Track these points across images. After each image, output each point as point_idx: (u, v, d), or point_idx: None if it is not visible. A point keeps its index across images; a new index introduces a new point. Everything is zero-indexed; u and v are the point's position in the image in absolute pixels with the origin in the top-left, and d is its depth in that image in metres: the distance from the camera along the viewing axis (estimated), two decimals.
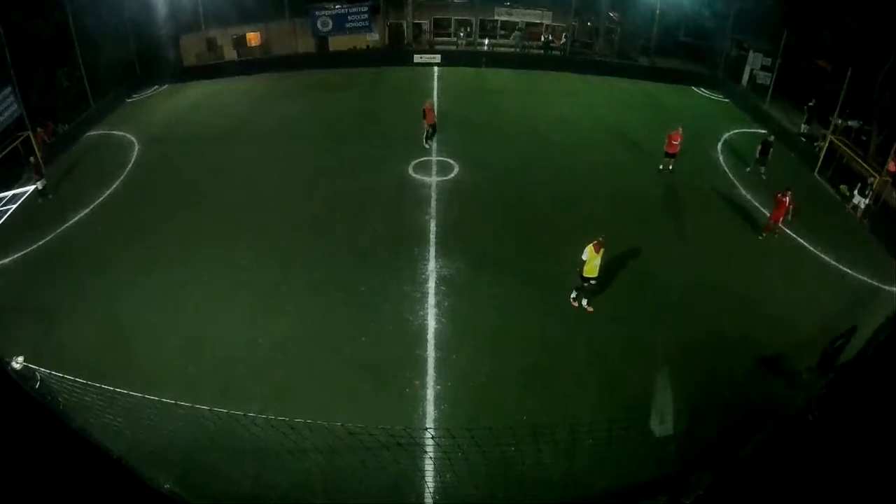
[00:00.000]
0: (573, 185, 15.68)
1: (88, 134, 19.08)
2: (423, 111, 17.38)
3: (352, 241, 12.96)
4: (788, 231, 13.68)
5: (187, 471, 7.36)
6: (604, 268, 10.60)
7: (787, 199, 13.05)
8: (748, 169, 17.02)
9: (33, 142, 16.17)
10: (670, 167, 16.34)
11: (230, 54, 25.84)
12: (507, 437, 6.34)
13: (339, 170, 16.18)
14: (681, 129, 16.02)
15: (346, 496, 7.37)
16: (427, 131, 17.54)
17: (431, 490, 7.29)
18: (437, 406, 8.89)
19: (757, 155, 16.69)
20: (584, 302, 11.06)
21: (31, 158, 15.17)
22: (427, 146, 17.41)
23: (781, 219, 13.30)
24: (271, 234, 13.23)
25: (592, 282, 10.63)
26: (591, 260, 10.31)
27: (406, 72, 25.09)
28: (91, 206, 14.51)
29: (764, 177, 16.43)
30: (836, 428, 1.70)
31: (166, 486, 2.18)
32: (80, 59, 19.42)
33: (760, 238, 13.51)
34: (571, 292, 11.07)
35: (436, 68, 25.52)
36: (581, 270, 10.44)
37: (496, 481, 7.08)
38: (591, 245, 10.32)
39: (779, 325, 10.66)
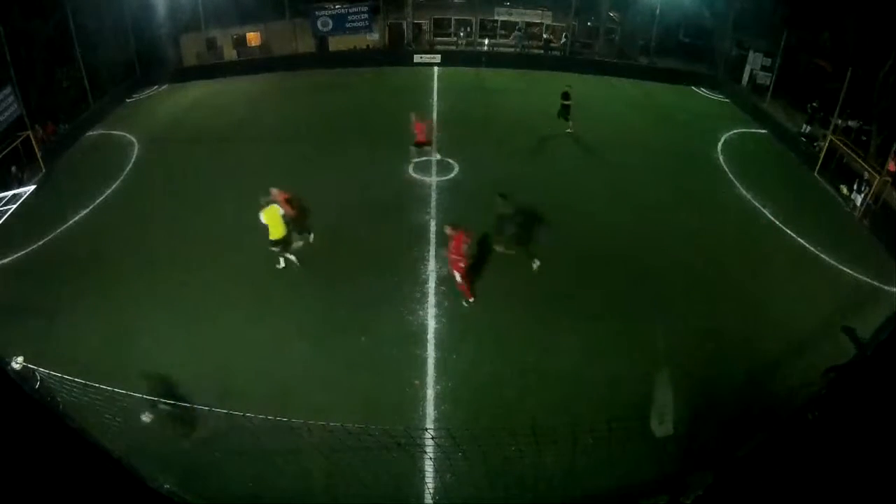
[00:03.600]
0: (572, 184, 15.67)
1: (88, 134, 19.06)
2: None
3: (351, 240, 12.95)
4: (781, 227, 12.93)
5: (187, 471, 7.35)
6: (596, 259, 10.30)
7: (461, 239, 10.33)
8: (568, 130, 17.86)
9: (33, 142, 16.19)
10: (416, 158, 16.05)
11: (230, 54, 25.84)
12: (507, 437, 6.34)
13: (338, 169, 16.16)
14: (414, 117, 15.48)
15: (346, 496, 7.36)
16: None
17: (431, 490, 7.29)
18: (437, 406, 8.88)
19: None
20: (283, 261, 11.69)
21: (14, 168, 15.37)
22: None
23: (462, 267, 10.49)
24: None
25: (276, 247, 11.40)
26: (271, 223, 11.07)
27: (406, 72, 25.07)
28: (91, 207, 14.51)
29: (570, 130, 17.09)
30: (836, 428, 1.71)
31: (166, 486, 2.17)
32: (80, 59, 19.41)
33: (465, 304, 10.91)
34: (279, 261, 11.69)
35: (436, 68, 25.50)
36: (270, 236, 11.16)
37: (496, 481, 7.08)
38: (262, 212, 11.08)
39: (779, 325, 10.66)
